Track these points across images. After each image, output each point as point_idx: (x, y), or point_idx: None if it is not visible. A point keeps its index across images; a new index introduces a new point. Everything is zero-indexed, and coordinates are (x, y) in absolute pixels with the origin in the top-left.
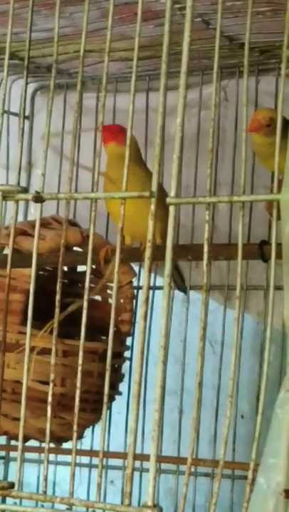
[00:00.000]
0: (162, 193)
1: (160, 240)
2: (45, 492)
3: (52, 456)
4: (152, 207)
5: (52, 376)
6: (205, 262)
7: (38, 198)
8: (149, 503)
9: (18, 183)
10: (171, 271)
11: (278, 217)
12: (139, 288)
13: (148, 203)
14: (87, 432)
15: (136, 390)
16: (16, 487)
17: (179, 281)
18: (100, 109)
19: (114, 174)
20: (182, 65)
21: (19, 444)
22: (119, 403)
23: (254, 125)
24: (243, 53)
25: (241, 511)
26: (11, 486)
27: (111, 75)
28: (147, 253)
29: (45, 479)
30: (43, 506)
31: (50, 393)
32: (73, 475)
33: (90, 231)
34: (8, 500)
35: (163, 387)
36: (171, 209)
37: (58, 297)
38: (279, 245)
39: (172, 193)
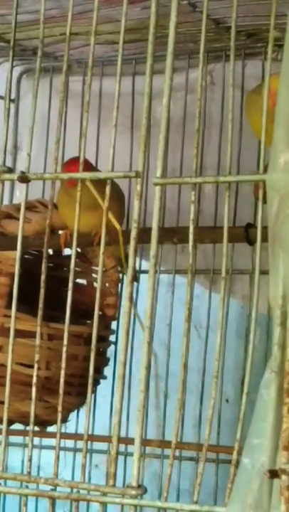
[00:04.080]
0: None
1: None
2: (29, 473)
3: (37, 440)
4: (138, 187)
5: (36, 357)
6: (190, 243)
7: (24, 178)
8: (134, 484)
9: (4, 163)
10: (156, 252)
11: (264, 201)
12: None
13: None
14: (72, 416)
15: (121, 371)
16: (0, 468)
17: (126, 267)
18: (86, 89)
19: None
20: (168, 45)
21: (3, 426)
22: (104, 387)
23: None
24: (229, 37)
25: (225, 498)
26: None
27: (97, 58)
28: (133, 233)
29: (30, 460)
30: (27, 487)
31: (34, 375)
32: (58, 456)
33: (76, 212)
34: None
35: (148, 368)
36: (157, 189)
37: (43, 277)
38: (265, 228)
39: (158, 174)
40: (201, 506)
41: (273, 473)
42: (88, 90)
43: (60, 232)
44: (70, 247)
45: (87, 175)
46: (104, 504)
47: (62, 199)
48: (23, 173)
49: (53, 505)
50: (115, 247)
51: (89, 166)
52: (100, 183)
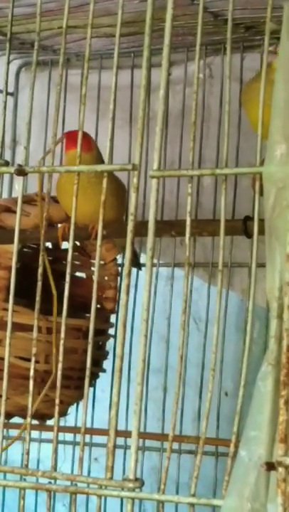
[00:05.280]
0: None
1: (113, 214)
2: (27, 466)
3: (36, 434)
4: (134, 180)
5: (34, 350)
6: (187, 235)
7: (21, 171)
8: (131, 477)
9: (2, 156)
10: (153, 244)
11: (261, 193)
12: (123, 265)
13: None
14: (72, 409)
15: (118, 364)
16: None
17: (133, 258)
18: (84, 82)
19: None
20: (165, 37)
21: (1, 419)
22: (103, 381)
23: None
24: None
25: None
26: None
27: (95, 51)
28: (130, 226)
29: (28, 453)
30: (25, 480)
31: (31, 368)
32: (55, 449)
33: (73, 205)
34: None
35: (145, 361)
36: (154, 182)
37: (40, 270)
38: (262, 221)
39: (155, 166)
40: (198, 499)
41: (270, 466)
42: (85, 82)
43: (60, 225)
44: (68, 240)
45: (84, 168)
46: (102, 497)
47: (62, 189)
48: (20, 166)
49: (52, 498)
50: (120, 239)
51: (88, 145)
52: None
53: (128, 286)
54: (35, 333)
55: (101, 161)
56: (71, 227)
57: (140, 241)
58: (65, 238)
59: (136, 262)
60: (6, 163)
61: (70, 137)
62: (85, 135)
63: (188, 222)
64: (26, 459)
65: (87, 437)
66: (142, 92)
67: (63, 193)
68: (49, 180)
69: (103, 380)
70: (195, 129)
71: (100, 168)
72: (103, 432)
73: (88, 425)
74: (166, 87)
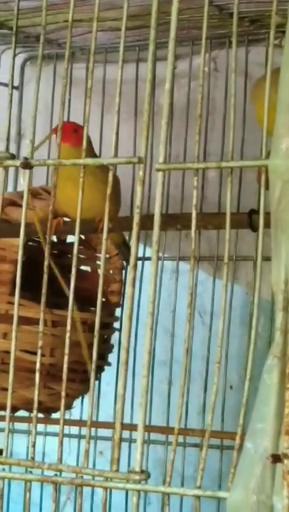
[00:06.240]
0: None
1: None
2: (33, 458)
3: (41, 427)
4: (140, 173)
5: (40, 343)
6: (193, 228)
7: (27, 165)
8: (137, 469)
9: (7, 149)
10: (159, 237)
11: (267, 187)
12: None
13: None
14: (77, 403)
15: (124, 357)
16: (5, 453)
17: (126, 254)
18: (89, 75)
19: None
20: (171, 30)
21: (7, 411)
22: (108, 375)
23: None
24: (233, 23)
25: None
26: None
27: (101, 45)
28: (135, 219)
29: (34, 446)
30: (31, 473)
31: (38, 361)
32: (61, 441)
33: (79, 198)
34: None
35: (151, 353)
36: (160, 175)
37: (46, 263)
38: (267, 214)
39: (160, 159)
40: (204, 491)
41: (276, 458)
42: (91, 76)
43: (66, 219)
44: (64, 233)
45: (90, 161)
46: (108, 489)
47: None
48: (26, 159)
49: (57, 490)
50: (114, 234)
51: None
52: (96, 168)
53: (134, 278)
54: (41, 326)
55: (92, 155)
56: (77, 220)
57: (146, 234)
58: (58, 231)
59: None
60: (12, 157)
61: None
62: (76, 129)
63: (194, 215)
64: (32, 451)
65: (92, 431)
66: (147, 84)
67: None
68: (54, 173)
69: (108, 373)
70: (201, 121)
71: (105, 161)
72: (108, 425)
73: (93, 419)
74: (171, 80)
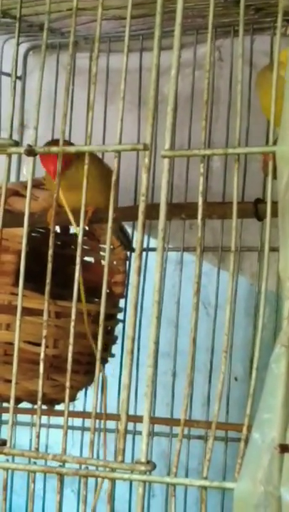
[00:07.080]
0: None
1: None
2: (37, 449)
3: (44, 419)
4: (146, 160)
5: (44, 332)
6: (199, 216)
7: (31, 152)
8: (142, 460)
9: (11, 136)
10: (165, 225)
11: (274, 176)
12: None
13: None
14: (80, 394)
15: (129, 346)
16: (8, 444)
17: (125, 241)
18: (93, 61)
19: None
20: (177, 15)
21: (11, 402)
22: (111, 366)
23: None
24: (238, 11)
25: (235, 474)
26: (3, 443)
27: (104, 34)
28: (141, 207)
29: (38, 436)
30: (35, 464)
31: (42, 352)
32: (66, 432)
33: (84, 186)
34: (0, 457)
35: (157, 343)
36: (166, 162)
37: (50, 252)
38: (274, 204)
39: (166, 146)
40: (210, 482)
41: (284, 448)
42: (95, 62)
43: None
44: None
45: (95, 148)
46: (113, 480)
47: (49, 178)
48: (30, 146)
49: (61, 481)
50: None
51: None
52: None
53: (139, 267)
54: (45, 317)
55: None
56: (81, 212)
57: (149, 225)
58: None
59: (129, 246)
60: (16, 144)
61: (50, 163)
62: (53, 160)
63: (200, 203)
64: (36, 442)
65: (96, 422)
66: (153, 72)
67: (49, 179)
68: (58, 162)
69: (112, 365)
70: (207, 108)
71: (110, 148)
72: (112, 417)
73: (97, 410)
74: (177, 67)
